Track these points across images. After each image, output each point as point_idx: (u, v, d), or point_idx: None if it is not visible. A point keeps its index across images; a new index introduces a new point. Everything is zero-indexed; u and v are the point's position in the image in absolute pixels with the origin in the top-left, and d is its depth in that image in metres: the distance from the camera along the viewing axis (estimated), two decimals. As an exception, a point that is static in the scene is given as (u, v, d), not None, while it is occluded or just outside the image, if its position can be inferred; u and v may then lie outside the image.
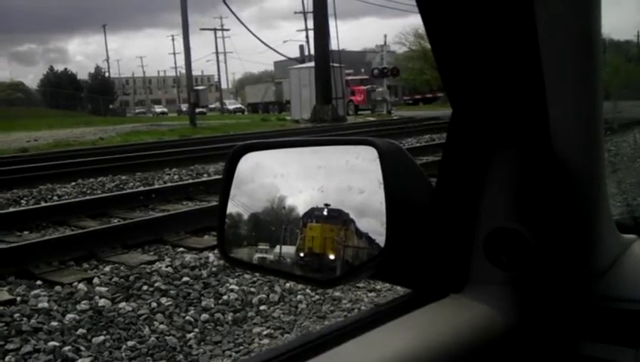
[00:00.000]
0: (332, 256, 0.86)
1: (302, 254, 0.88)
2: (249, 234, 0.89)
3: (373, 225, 0.76)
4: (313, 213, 0.89)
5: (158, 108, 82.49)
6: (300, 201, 0.84)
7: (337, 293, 4.66)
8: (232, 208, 0.89)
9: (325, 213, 0.87)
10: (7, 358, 3.73)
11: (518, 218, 0.78)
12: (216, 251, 5.79)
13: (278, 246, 0.85)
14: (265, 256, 0.86)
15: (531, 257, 0.76)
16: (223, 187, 0.89)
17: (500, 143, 0.81)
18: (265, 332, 4.15)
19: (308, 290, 4.76)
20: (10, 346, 3.87)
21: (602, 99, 0.78)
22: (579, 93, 0.76)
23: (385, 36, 46.24)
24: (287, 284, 4.81)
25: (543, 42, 0.71)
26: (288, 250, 0.85)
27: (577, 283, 0.83)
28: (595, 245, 0.85)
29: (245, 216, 0.89)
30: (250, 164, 0.90)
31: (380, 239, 0.75)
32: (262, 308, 4.56)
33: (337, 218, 0.85)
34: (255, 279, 5.01)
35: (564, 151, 0.78)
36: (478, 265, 0.80)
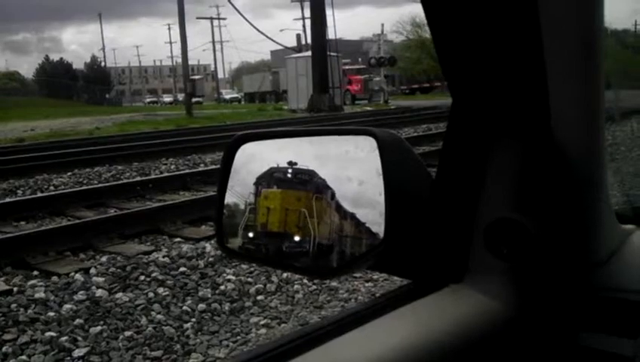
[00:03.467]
0: (297, 238, 0.71)
1: (250, 234, 0.75)
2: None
3: (373, 215, 0.75)
4: (271, 176, 0.73)
5: (167, 98, 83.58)
6: None
7: (334, 283, 4.66)
8: (229, 199, 0.88)
9: (289, 175, 0.72)
10: (4, 349, 3.73)
11: (518, 208, 0.77)
12: (212, 241, 5.79)
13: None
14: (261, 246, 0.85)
15: (531, 247, 0.76)
16: (220, 178, 0.88)
17: (500, 133, 0.80)
18: (262, 322, 4.16)
19: (305, 280, 4.76)
20: (7, 336, 3.87)
21: (604, 90, 0.78)
22: (580, 83, 0.75)
23: (382, 25, 46.22)
24: (285, 274, 4.81)
25: (545, 31, 0.70)
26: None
27: (577, 273, 0.82)
28: (594, 235, 0.84)
29: (242, 207, 0.88)
30: (248, 154, 0.89)
31: (379, 230, 0.74)
32: (259, 297, 4.57)
33: (308, 183, 0.72)
34: (252, 269, 5.01)
35: (564, 142, 0.77)
36: (478, 256, 0.80)
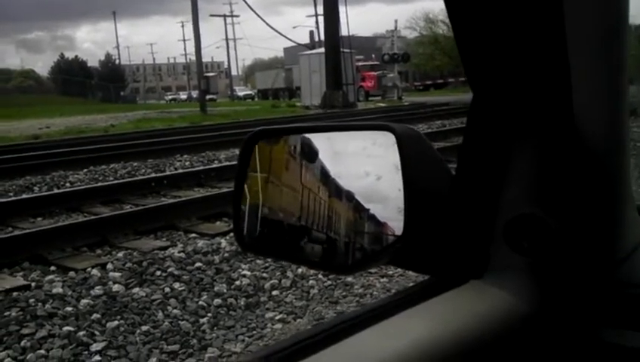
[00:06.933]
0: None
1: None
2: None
3: (391, 211, 0.74)
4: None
5: (183, 95, 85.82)
6: None
7: (349, 279, 4.66)
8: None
9: None
10: (22, 343, 3.77)
11: (539, 203, 0.76)
12: (228, 237, 5.81)
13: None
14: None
15: (553, 243, 0.75)
16: (237, 173, 0.88)
17: (521, 128, 0.79)
18: (277, 317, 4.17)
19: (320, 275, 4.77)
20: (25, 331, 3.92)
21: (628, 85, 0.77)
22: (603, 78, 0.74)
23: (396, 21, 46.02)
24: (299, 269, 4.82)
25: (568, 26, 0.69)
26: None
27: (600, 268, 0.81)
28: (617, 230, 0.83)
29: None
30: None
31: (397, 225, 0.73)
32: (274, 293, 4.58)
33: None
34: (267, 264, 5.03)
35: (587, 136, 0.76)
36: (498, 252, 0.79)
